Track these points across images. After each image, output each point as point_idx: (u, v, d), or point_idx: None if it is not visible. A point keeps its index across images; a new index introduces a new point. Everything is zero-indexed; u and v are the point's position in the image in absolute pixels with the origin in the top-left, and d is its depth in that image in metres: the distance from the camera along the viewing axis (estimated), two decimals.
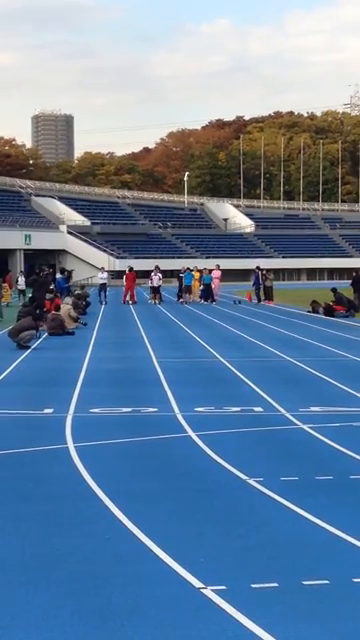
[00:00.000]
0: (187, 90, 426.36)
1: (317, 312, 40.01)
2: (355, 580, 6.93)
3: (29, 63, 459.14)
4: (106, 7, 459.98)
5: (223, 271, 56.64)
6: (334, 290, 40.62)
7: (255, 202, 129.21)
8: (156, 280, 50.86)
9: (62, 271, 53.88)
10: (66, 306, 33.99)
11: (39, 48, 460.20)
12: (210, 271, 51.92)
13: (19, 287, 52.53)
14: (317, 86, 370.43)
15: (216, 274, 51.99)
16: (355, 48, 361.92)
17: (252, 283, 51.83)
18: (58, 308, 32.21)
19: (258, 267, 52.66)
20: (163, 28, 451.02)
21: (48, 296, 36.60)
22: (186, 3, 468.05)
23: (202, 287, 51.68)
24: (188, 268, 53.10)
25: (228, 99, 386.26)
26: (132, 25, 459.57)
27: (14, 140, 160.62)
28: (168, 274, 71.15)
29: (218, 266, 54.39)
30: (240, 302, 49.96)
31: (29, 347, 25.41)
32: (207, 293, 50.93)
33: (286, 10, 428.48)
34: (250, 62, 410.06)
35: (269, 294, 50.04)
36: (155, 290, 50.75)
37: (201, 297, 51.41)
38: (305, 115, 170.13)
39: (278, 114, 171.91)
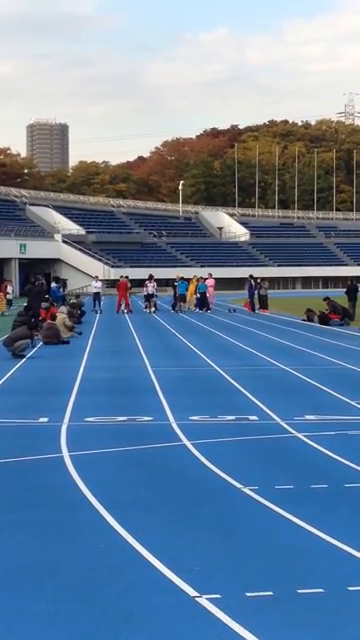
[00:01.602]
0: (184, 99, 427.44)
1: (312, 320, 40.05)
2: (350, 589, 6.93)
3: (27, 72, 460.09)
4: (105, 17, 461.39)
5: (218, 280, 56.74)
6: (327, 299, 40.70)
7: (250, 211, 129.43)
8: (150, 288, 50.90)
9: (57, 280, 53.89)
10: (61, 315, 33.98)
11: (37, 57, 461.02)
12: (204, 280, 52.02)
13: (8, 297, 52.69)
14: (315, 95, 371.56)
15: (210, 282, 52.06)
16: (353, 57, 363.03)
17: (247, 291, 51.90)
18: (54, 317, 32.18)
19: (251, 276, 52.71)
20: (162, 37, 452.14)
21: (44, 305, 36.58)
22: (185, 12, 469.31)
23: (198, 296, 51.75)
24: (182, 277, 53.16)
25: (225, 108, 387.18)
26: (131, 34, 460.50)
27: (9, 149, 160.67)
28: (163, 283, 71.27)
29: (210, 275, 54.42)
30: (235, 311, 49.97)
31: (24, 356, 25.41)
32: (202, 302, 50.99)
33: (286, 18, 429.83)
34: (248, 71, 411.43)
35: (264, 303, 50.08)
36: (149, 298, 50.78)
37: (196, 306, 51.45)
38: (300, 124, 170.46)
39: (273, 123, 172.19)
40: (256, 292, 50.71)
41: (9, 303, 50.85)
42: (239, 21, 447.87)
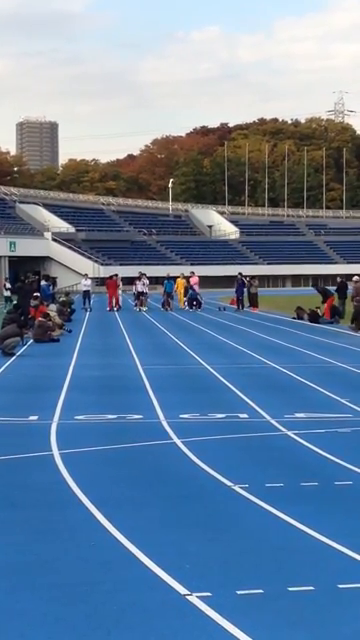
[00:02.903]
0: (174, 97, 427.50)
1: (302, 318, 40.09)
2: (340, 586, 6.94)
3: (17, 70, 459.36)
4: (96, 15, 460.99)
5: (208, 278, 56.69)
6: (315, 285, 41.20)
7: (240, 209, 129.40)
8: (140, 286, 50.89)
9: (46, 278, 53.84)
10: (51, 313, 33.93)
11: (27, 56, 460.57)
12: (188, 278, 52.05)
13: (5, 294, 52.67)
14: (305, 93, 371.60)
15: (194, 280, 51.95)
16: (343, 55, 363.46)
17: (235, 290, 51.88)
18: (46, 315, 32.08)
19: (240, 274, 52.72)
20: (153, 35, 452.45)
21: (33, 303, 36.49)
22: (177, 10, 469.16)
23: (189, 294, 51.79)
24: (169, 276, 53.19)
25: (215, 106, 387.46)
26: (122, 32, 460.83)
27: None
28: (153, 281, 71.18)
29: (193, 273, 54.27)
30: (225, 309, 49.98)
31: (14, 354, 25.37)
32: (190, 301, 51.02)
33: (277, 16, 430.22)
34: (239, 69, 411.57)
35: (254, 301, 50.07)
36: (139, 296, 50.77)
37: (187, 304, 51.42)
38: (289, 122, 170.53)
39: (262, 121, 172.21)
40: (246, 290, 50.69)
41: (7, 300, 50.75)
42: (231, 19, 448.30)
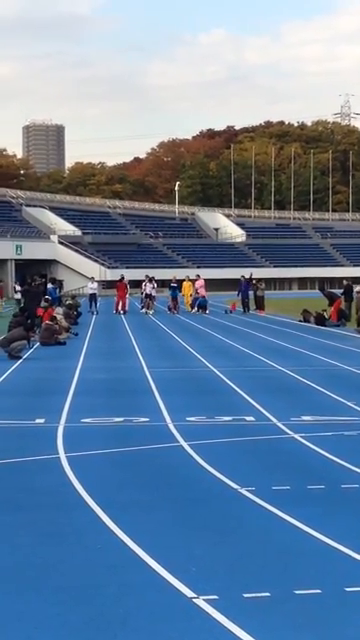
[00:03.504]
0: (181, 100, 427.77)
1: (308, 321, 40.06)
2: (347, 589, 6.93)
3: (23, 73, 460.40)
4: (104, 18, 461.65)
5: (214, 281, 56.69)
6: (322, 289, 41.14)
7: (246, 212, 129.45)
8: (149, 289, 50.95)
9: (53, 281, 53.87)
10: (57, 316, 33.94)
11: (34, 58, 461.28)
12: (194, 281, 52.09)
13: (16, 297, 52.83)
14: (311, 96, 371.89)
15: (199, 283, 51.96)
16: (350, 58, 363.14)
17: (237, 293, 51.86)
18: (53, 318, 32.02)
19: (243, 276, 52.71)
20: (160, 38, 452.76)
21: (43, 304, 36.38)
22: (184, 13, 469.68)
23: (193, 296, 51.80)
24: (176, 279, 53.26)
25: (222, 109, 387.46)
26: (129, 35, 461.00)
27: (5, 150, 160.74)
28: (159, 284, 71.23)
29: (198, 276, 54.27)
30: (231, 312, 49.97)
31: (20, 357, 25.38)
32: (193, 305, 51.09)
33: (284, 20, 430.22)
34: (246, 72, 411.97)
35: (260, 304, 50.06)
36: (146, 299, 50.80)
37: (192, 307, 51.44)
38: (296, 125, 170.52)
39: (269, 124, 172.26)
40: (251, 293, 50.70)
41: (18, 302, 50.96)
42: (238, 22, 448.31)
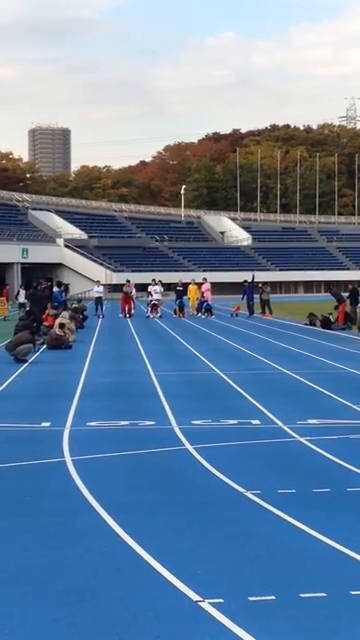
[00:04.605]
0: (187, 104, 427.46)
1: (314, 325, 40.05)
2: (353, 593, 6.92)
3: (29, 77, 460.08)
4: (111, 21, 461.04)
5: (220, 284, 56.69)
6: (330, 290, 41.25)
7: (252, 215, 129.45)
8: (155, 293, 51.01)
9: (59, 284, 53.88)
10: (64, 320, 33.82)
11: (41, 62, 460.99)
12: (200, 284, 52.11)
13: (19, 300, 52.80)
14: (317, 99, 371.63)
15: (205, 287, 51.97)
16: (357, 61, 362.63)
17: (242, 296, 51.87)
18: (62, 325, 31.56)
19: (246, 280, 52.70)
20: (167, 42, 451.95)
21: (52, 312, 36.01)
22: (191, 17, 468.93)
23: (199, 300, 51.84)
24: (182, 283, 53.28)
25: (228, 113, 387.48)
26: (137, 39, 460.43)
27: (11, 154, 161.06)
28: (165, 287, 71.32)
29: (205, 279, 54.32)
30: (237, 315, 49.97)
31: (26, 361, 25.41)
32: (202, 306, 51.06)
33: (292, 23, 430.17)
34: (253, 75, 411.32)
35: (266, 307, 50.06)
36: (152, 303, 50.86)
37: (198, 310, 51.45)
38: (301, 128, 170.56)
39: (275, 127, 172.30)
40: (256, 296, 50.70)
41: (22, 306, 50.96)
42: (245, 25, 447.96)
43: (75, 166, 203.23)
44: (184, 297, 52.38)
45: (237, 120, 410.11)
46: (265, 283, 53.82)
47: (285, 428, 14.65)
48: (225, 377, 21.62)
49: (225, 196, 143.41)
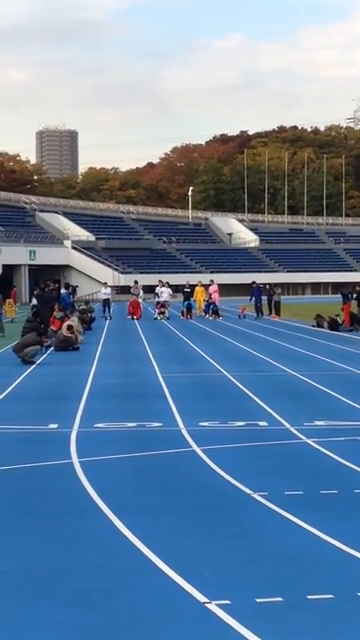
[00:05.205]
0: (195, 105, 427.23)
1: (321, 326, 40.01)
2: None
3: (37, 79, 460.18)
4: (119, 23, 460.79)
5: (228, 286, 56.65)
6: (339, 289, 41.40)
7: (259, 217, 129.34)
8: (165, 295, 51.05)
9: (67, 286, 53.91)
10: (73, 324, 33.70)
11: (48, 64, 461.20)
12: (207, 286, 52.10)
13: (33, 303, 52.80)
14: (325, 101, 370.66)
15: (213, 288, 51.96)
16: None
17: (249, 298, 51.86)
18: (70, 327, 31.43)
19: (254, 282, 52.69)
20: (175, 44, 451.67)
21: (58, 315, 35.85)
22: (200, 19, 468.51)
23: (206, 302, 51.87)
24: (189, 284, 53.26)
25: (236, 114, 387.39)
26: (144, 41, 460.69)
27: (18, 156, 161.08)
28: (173, 289, 71.34)
29: (212, 281, 54.29)
30: (245, 317, 49.96)
31: (34, 362, 25.43)
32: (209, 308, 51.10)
33: (300, 25, 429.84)
34: (261, 77, 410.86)
35: (276, 309, 50.10)
36: (160, 304, 50.90)
37: (205, 312, 51.44)
38: (309, 130, 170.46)
39: (282, 129, 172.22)
40: (265, 298, 50.72)
41: (32, 308, 50.99)
42: (253, 27, 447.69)
43: (82, 168, 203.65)
44: (191, 299, 52.40)
45: (244, 122, 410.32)
46: (276, 285, 53.82)
47: (292, 430, 14.64)
48: (232, 378, 21.61)
49: (232, 198, 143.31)
